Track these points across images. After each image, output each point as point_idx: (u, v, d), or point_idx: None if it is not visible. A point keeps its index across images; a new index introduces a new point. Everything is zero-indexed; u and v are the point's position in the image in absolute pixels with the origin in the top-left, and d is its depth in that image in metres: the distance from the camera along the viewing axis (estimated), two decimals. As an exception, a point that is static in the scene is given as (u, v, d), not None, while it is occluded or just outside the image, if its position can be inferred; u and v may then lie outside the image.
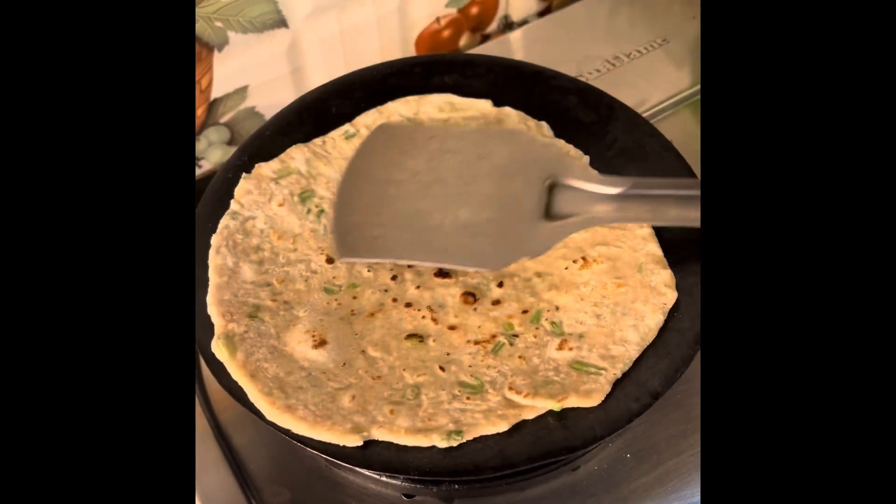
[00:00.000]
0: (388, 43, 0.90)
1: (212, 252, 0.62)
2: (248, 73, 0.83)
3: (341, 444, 0.53)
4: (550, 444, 0.54)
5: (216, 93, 0.82)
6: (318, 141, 0.69)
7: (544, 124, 0.70)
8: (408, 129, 0.69)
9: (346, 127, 0.70)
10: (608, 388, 0.55)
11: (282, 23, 0.81)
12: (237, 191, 0.65)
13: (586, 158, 0.68)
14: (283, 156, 0.68)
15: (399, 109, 0.71)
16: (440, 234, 0.62)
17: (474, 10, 0.95)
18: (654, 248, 0.62)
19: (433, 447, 0.53)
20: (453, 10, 0.93)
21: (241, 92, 0.84)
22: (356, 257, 0.62)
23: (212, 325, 0.58)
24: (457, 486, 0.61)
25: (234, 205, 0.65)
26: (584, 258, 0.62)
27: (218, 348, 0.57)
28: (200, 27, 0.76)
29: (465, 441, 0.53)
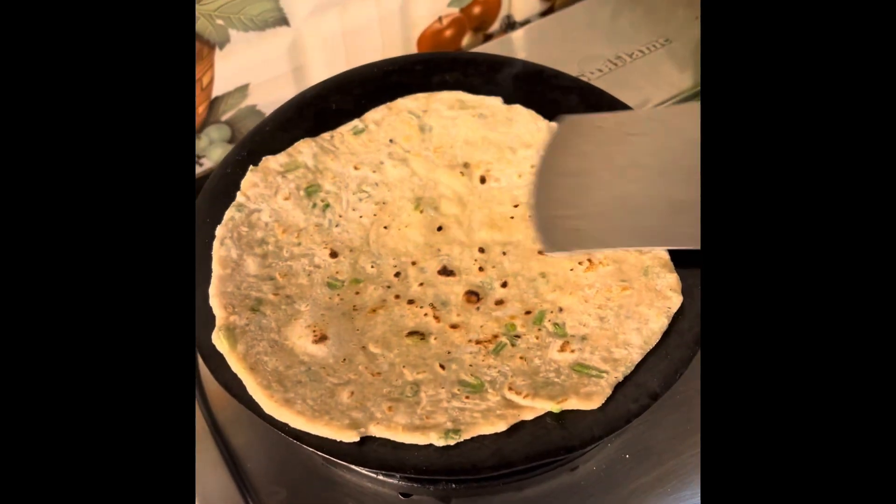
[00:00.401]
0: (390, 42, 0.90)
1: (216, 243, 0.62)
2: (250, 71, 0.83)
3: (338, 440, 0.53)
4: (548, 443, 0.53)
5: (217, 91, 0.82)
6: (325, 136, 0.69)
7: (555, 125, 0.70)
8: (594, 119, 0.68)
9: (355, 122, 0.70)
10: (609, 391, 0.55)
11: (283, 21, 0.81)
12: (243, 183, 0.65)
13: None
14: (290, 149, 0.68)
15: (408, 105, 0.71)
16: (643, 215, 0.61)
17: (476, 10, 0.95)
18: (661, 252, 0.61)
19: (430, 445, 0.53)
20: (455, 10, 0.93)
21: (242, 90, 0.84)
22: (562, 251, 0.62)
23: (209, 322, 0.58)
24: (454, 486, 0.61)
25: (240, 197, 0.64)
26: (589, 260, 0.62)
27: (218, 340, 0.57)
28: (201, 25, 0.76)
29: (462, 440, 0.53)
